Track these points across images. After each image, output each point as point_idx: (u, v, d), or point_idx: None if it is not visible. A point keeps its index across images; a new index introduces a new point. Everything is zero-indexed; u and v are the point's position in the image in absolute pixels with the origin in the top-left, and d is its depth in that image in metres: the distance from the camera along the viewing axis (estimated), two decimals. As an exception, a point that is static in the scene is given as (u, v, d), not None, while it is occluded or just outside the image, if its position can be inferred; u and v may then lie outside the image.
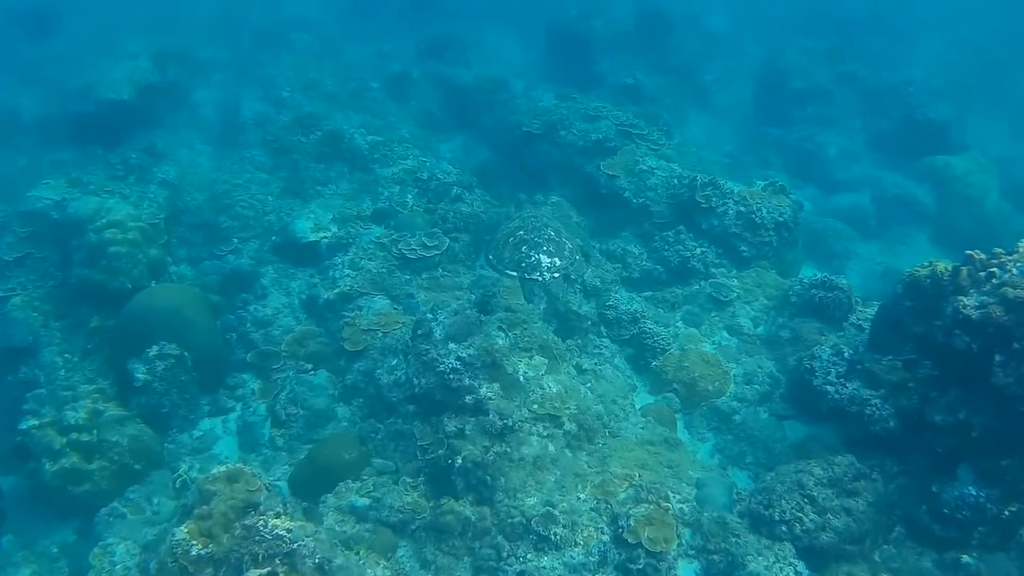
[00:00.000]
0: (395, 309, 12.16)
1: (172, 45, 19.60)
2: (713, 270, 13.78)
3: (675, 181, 14.78)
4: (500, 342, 10.34)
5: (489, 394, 9.73)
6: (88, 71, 16.97)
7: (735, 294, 13.35)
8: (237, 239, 14.31)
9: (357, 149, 15.69)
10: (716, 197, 14.03)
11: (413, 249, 12.88)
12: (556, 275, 10.49)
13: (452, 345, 10.08)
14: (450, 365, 9.84)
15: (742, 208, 13.87)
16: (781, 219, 13.96)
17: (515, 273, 10.47)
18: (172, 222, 14.64)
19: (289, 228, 13.49)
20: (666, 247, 13.98)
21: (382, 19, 26.63)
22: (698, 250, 13.80)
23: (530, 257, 10.39)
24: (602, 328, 12.76)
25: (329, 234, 13.39)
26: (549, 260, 10.40)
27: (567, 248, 10.75)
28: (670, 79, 22.14)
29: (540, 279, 10.34)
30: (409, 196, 14.22)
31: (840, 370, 10.23)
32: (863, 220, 18.92)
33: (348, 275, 12.69)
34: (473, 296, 12.03)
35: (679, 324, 13.13)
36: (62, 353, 12.25)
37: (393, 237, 13.18)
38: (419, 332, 10.42)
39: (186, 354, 11.50)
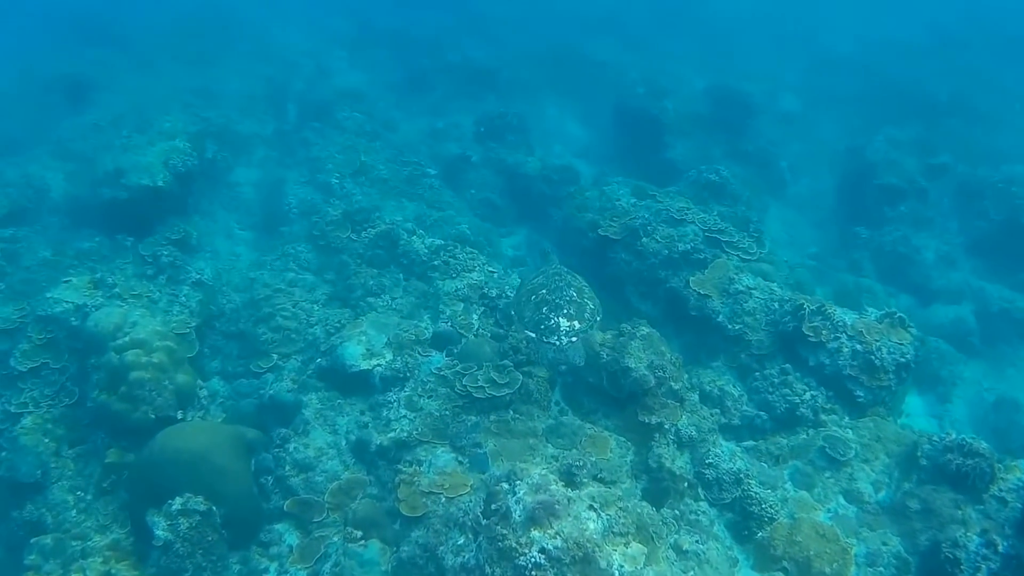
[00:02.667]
0: (460, 464, 10.28)
1: (212, 120, 18.21)
2: (823, 416, 11.88)
3: (776, 305, 12.97)
4: (592, 526, 8.50)
5: (582, 603, 7.84)
6: (121, 152, 15.42)
7: (852, 451, 11.39)
8: (277, 355, 12.59)
9: (415, 254, 13.97)
10: (827, 329, 12.16)
11: (481, 387, 11.03)
12: (574, 339, 10.13)
13: (535, 533, 8.21)
14: (532, 559, 7.99)
15: (858, 346, 11.99)
16: (903, 359, 12.05)
17: (533, 334, 10.22)
18: (205, 328, 13.04)
19: (337, 352, 11.67)
20: (769, 388, 12.13)
21: (436, 91, 25.19)
22: (807, 394, 11.91)
23: (550, 320, 10.07)
24: (700, 490, 10.84)
25: (384, 362, 11.55)
26: (568, 324, 10.05)
27: (588, 310, 10.44)
28: (749, 169, 20.52)
29: (557, 343, 10.02)
30: (474, 316, 12.39)
31: (993, 567, 8.51)
32: (966, 338, 17.10)
33: (405, 416, 10.86)
34: (551, 448, 10.48)
35: (787, 486, 11.20)
36: (74, 490, 10.64)
37: (457, 369, 11.34)
38: (493, 507, 8.59)
39: (214, 509, 9.69)
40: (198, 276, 13.82)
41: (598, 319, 10.68)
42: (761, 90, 23.24)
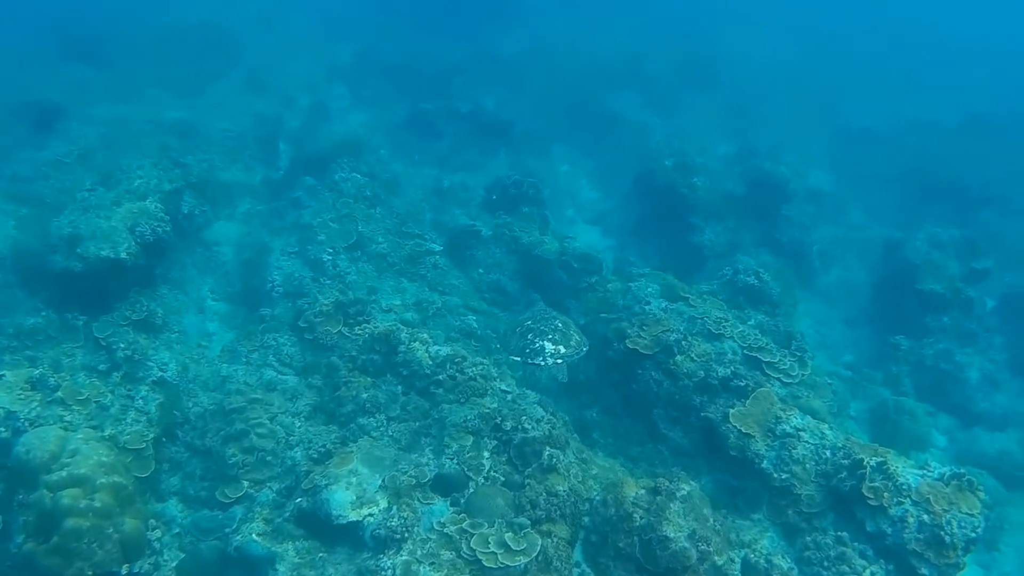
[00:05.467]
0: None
1: (191, 168, 16.23)
2: (884, 598, 10.08)
3: (828, 454, 11.19)
4: None
5: None
6: (81, 210, 13.39)
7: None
8: (249, 482, 10.59)
9: (416, 364, 11.91)
10: (889, 492, 10.41)
11: (492, 553, 9.12)
12: (559, 361, 10.62)
13: None
14: None
15: (925, 516, 10.20)
16: (974, 535, 10.28)
17: (519, 359, 10.76)
18: (166, 438, 11.04)
19: (322, 497, 9.63)
20: (824, 562, 10.32)
21: (444, 140, 23.42)
22: (866, 573, 10.09)
23: (535, 344, 10.69)
24: None
25: (377, 511, 9.51)
26: (553, 347, 10.66)
27: (573, 339, 10.98)
28: (780, 260, 18.92)
29: (543, 364, 10.57)
30: (485, 455, 10.34)
31: None
32: (1011, 472, 15.42)
33: (401, 593, 8.89)
34: None
35: None
36: None
37: (463, 525, 9.40)
38: None
39: None
40: (160, 373, 11.77)
41: (584, 350, 11.08)
42: (791, 167, 21.49)
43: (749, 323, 14.24)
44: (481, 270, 16.21)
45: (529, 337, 10.82)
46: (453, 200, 19.45)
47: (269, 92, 24.48)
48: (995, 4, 51.49)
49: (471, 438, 10.66)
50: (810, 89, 32.26)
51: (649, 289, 14.69)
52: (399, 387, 11.88)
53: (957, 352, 17.36)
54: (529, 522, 9.56)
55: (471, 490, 9.99)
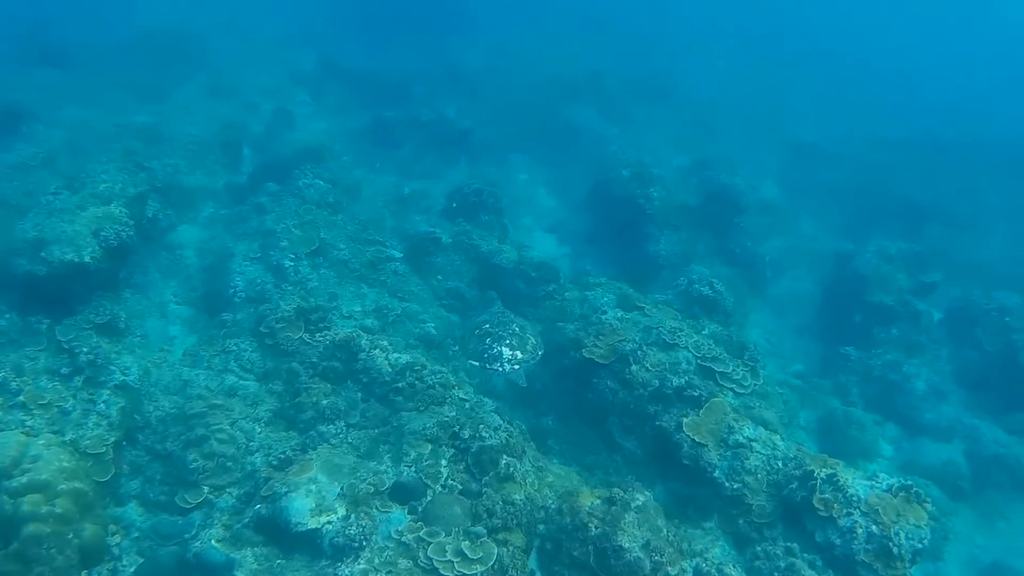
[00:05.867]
0: (422, 674, 8.56)
1: (156, 173, 16.28)
2: (830, 607, 10.44)
3: (779, 464, 11.56)
4: None
5: None
6: (45, 214, 13.37)
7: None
8: (209, 487, 10.69)
9: (376, 371, 12.06)
10: (839, 503, 10.73)
11: (449, 562, 9.31)
12: (516, 366, 11.12)
13: None
14: None
15: (874, 527, 10.53)
16: (920, 545, 10.64)
17: (477, 363, 11.28)
18: (127, 442, 11.09)
19: (281, 504, 9.77)
20: (774, 573, 10.70)
21: (405, 148, 23.60)
22: (816, 583, 10.46)
23: (492, 348, 11.20)
24: None
25: (335, 519, 9.67)
26: (511, 352, 11.23)
27: (530, 344, 11.57)
28: (733, 270, 19.25)
29: (500, 369, 11.11)
30: (443, 463, 10.50)
31: None
32: (955, 482, 15.92)
33: (358, 604, 9.04)
34: None
35: None
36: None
37: (420, 534, 9.57)
38: None
39: None
40: (122, 377, 11.84)
41: (539, 353, 11.66)
42: (745, 180, 21.94)
43: (703, 333, 14.54)
44: (440, 277, 16.38)
45: (487, 342, 11.28)
46: (414, 208, 19.59)
47: (233, 98, 24.46)
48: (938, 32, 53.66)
49: (429, 446, 10.86)
50: (759, 105, 32.82)
51: (605, 299, 14.95)
52: (359, 394, 12.04)
53: (905, 363, 17.77)
54: (486, 531, 9.77)
55: (428, 498, 10.16)
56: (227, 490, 10.77)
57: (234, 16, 33.02)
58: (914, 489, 11.30)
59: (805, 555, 10.74)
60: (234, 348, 12.94)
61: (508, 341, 11.31)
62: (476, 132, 24.76)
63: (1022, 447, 16.43)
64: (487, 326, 11.62)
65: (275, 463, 10.89)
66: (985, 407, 17.64)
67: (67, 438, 10.40)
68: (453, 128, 24.43)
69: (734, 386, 13.24)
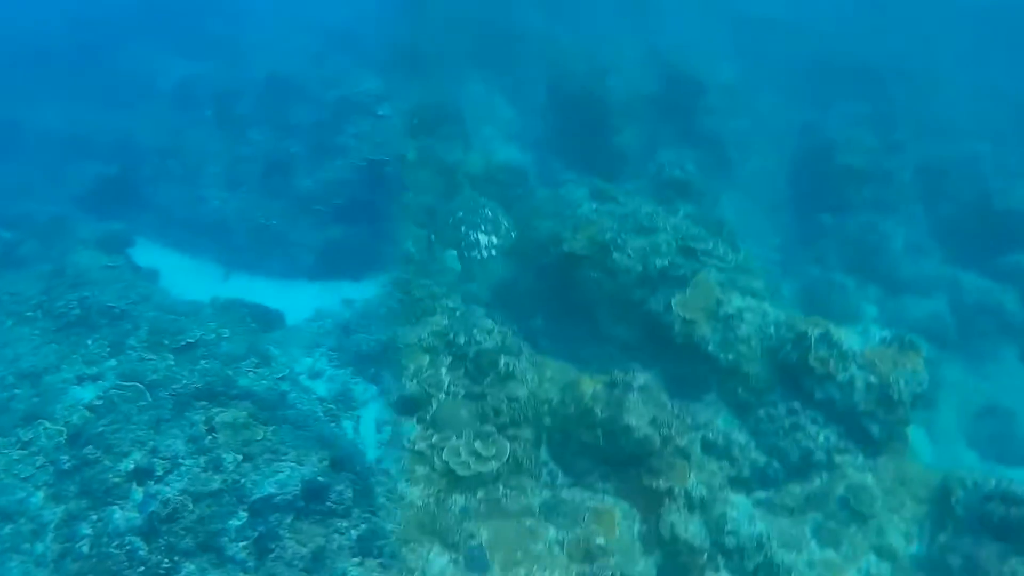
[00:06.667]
0: (455, 566, 8.60)
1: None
2: (837, 457, 10.62)
3: (771, 330, 11.57)
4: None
5: None
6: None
7: (877, 500, 10.12)
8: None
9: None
10: (834, 359, 10.75)
11: (464, 462, 9.33)
12: (494, 252, 11.68)
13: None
14: None
15: (872, 378, 10.67)
16: (920, 390, 10.77)
17: (455, 251, 11.71)
18: None
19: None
20: (780, 433, 10.79)
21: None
22: (820, 436, 10.53)
23: (469, 236, 11.76)
24: (719, 558, 9.45)
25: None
26: (487, 238, 11.79)
27: (503, 227, 12.10)
28: (700, 152, 18.92)
29: (479, 256, 11.71)
30: (443, 371, 10.48)
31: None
32: (942, 333, 16.12)
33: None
34: (552, 530, 9.22)
35: (812, 545, 9.94)
36: None
37: (432, 440, 9.56)
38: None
39: None
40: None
41: (513, 235, 12.20)
42: (704, 61, 21.57)
43: (679, 214, 14.38)
44: (411, 193, 16.05)
45: (463, 229, 11.89)
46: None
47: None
48: None
49: (427, 356, 10.79)
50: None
51: (578, 193, 14.74)
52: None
53: (880, 222, 17.82)
54: (495, 429, 9.79)
55: (434, 407, 10.13)
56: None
57: None
58: (907, 338, 11.44)
59: (808, 412, 10.81)
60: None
61: (483, 228, 11.86)
62: (425, 46, 24.02)
63: (1005, 292, 16.56)
64: (460, 213, 12.05)
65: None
66: (964, 258, 17.79)
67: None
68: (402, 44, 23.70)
69: (716, 261, 13.08)
